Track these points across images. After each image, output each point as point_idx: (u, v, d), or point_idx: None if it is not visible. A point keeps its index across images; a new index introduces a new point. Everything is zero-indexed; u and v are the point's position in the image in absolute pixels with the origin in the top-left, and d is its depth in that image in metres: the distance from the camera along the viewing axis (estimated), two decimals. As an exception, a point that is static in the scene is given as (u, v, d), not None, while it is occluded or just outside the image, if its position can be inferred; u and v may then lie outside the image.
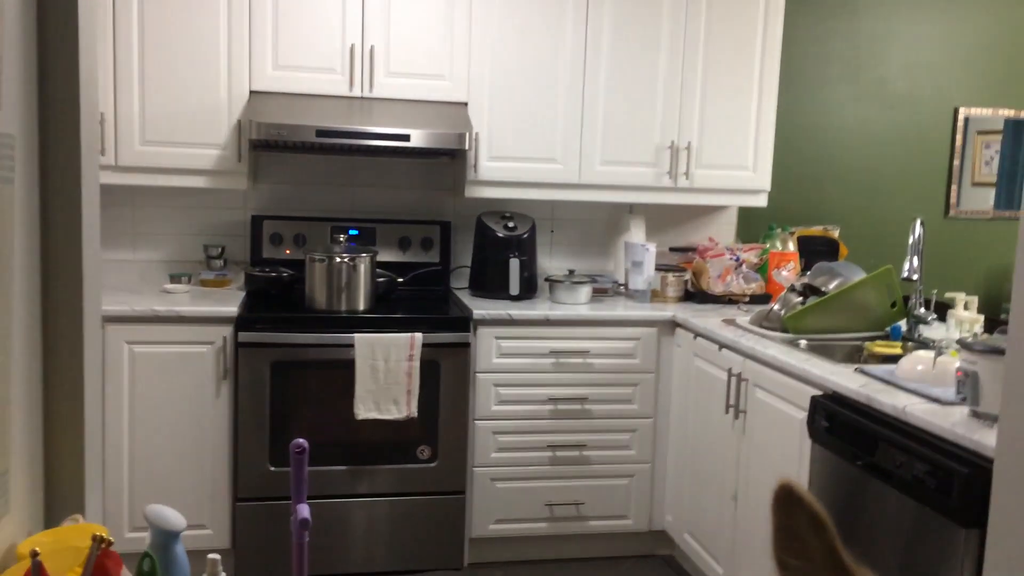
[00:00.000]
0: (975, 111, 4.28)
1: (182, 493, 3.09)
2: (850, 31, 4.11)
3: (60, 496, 1.55)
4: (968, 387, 1.90)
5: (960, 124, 4.27)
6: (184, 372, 3.05)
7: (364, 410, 3.09)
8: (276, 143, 3.26)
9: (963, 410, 1.96)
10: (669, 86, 3.56)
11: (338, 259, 3.19)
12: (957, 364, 1.98)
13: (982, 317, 2.65)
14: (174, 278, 3.43)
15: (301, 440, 1.59)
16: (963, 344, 1.92)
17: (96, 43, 1.85)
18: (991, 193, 4.35)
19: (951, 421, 1.88)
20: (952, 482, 1.80)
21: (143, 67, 3.18)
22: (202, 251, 3.59)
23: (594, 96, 3.51)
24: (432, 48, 3.36)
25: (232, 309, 3.06)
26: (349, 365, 3.09)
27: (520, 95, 3.45)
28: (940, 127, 4.27)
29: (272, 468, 3.09)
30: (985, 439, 1.76)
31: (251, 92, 3.26)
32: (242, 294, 3.37)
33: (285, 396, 3.08)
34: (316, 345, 3.09)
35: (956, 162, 4.29)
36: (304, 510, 1.54)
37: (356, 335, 3.07)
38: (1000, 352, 1.82)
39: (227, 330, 3.06)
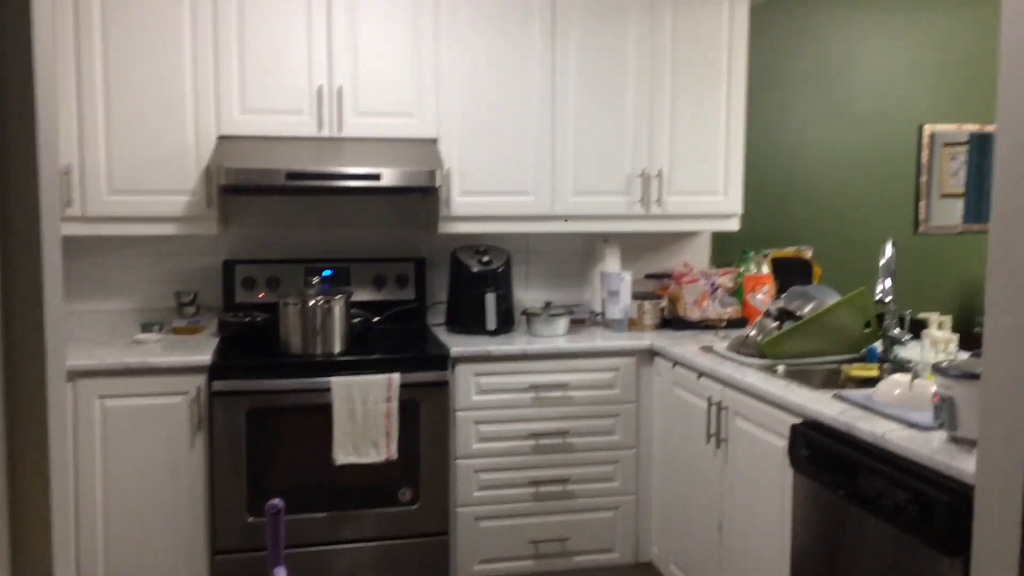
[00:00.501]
0: (940, 127, 4.33)
1: (159, 548, 3.03)
2: (814, 52, 4.16)
3: (27, 570, 1.50)
4: (945, 412, 1.90)
5: (926, 140, 4.32)
6: (158, 424, 3.00)
7: (343, 454, 3.05)
8: (246, 187, 3.24)
9: (942, 435, 1.96)
10: (637, 115, 3.57)
11: (312, 302, 3.16)
12: (933, 388, 1.98)
13: (956, 336, 2.66)
14: (145, 327, 3.39)
15: (276, 500, 1.56)
16: (938, 369, 1.92)
17: (57, 96, 1.83)
18: (959, 204, 4.40)
19: (930, 447, 1.88)
20: (934, 510, 1.79)
21: (108, 116, 3.16)
22: (174, 298, 3.54)
23: (563, 127, 3.52)
24: (400, 86, 3.36)
25: (205, 358, 3.02)
26: (326, 409, 3.05)
27: (490, 130, 3.46)
28: (906, 144, 4.32)
29: (250, 519, 3.04)
30: (965, 465, 1.76)
31: (219, 137, 3.24)
32: (216, 341, 3.33)
33: (262, 444, 3.04)
34: (292, 391, 3.05)
35: (924, 178, 4.34)
36: (281, 574, 1.51)
37: (333, 378, 3.04)
38: (975, 377, 1.82)
39: (200, 379, 3.02)
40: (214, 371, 3.01)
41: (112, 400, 2.97)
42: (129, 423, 2.99)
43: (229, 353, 3.15)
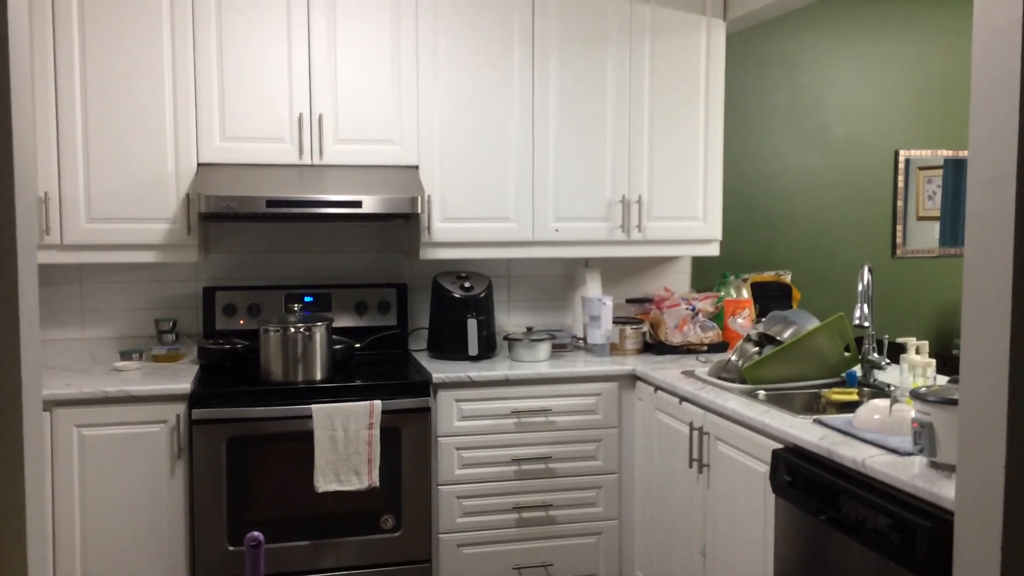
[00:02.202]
0: (915, 153, 4.39)
1: (138, 579, 2.99)
2: (790, 80, 4.22)
3: (3, 607, 1.48)
4: (924, 438, 1.92)
5: (901, 166, 4.38)
6: (137, 453, 2.97)
7: (325, 482, 3.03)
8: (226, 214, 3.23)
9: (922, 461, 1.97)
10: (617, 141, 3.60)
11: (292, 329, 3.14)
12: (912, 413, 2.00)
13: (934, 361, 2.68)
14: (125, 355, 3.36)
15: (256, 533, 1.55)
16: (916, 395, 1.94)
17: (34, 123, 1.82)
18: (936, 226, 4.45)
19: (910, 473, 1.89)
20: (915, 536, 1.80)
21: (87, 144, 3.14)
22: (153, 326, 3.52)
23: (544, 154, 3.54)
24: (380, 113, 3.37)
25: (185, 386, 3.00)
26: (308, 437, 3.03)
27: (470, 156, 3.47)
28: (882, 170, 4.37)
29: (231, 547, 3.01)
30: (945, 491, 1.77)
31: (199, 164, 3.23)
32: (196, 368, 3.30)
33: (243, 472, 3.01)
34: (273, 418, 3.03)
35: (900, 203, 4.39)
36: (261, 608, 1.49)
37: (314, 406, 3.02)
38: (953, 403, 1.84)
39: (180, 407, 2.99)
40: (194, 399, 2.99)
41: (90, 429, 2.94)
42: (108, 452, 2.95)
43: (209, 381, 3.13)
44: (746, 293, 3.86)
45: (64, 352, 3.47)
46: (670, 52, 3.62)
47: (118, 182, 3.18)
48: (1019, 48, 1.49)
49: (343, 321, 3.60)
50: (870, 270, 2.81)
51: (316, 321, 3.19)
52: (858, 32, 4.28)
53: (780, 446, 2.38)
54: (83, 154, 3.15)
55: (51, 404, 2.89)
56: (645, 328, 3.71)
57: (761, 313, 3.77)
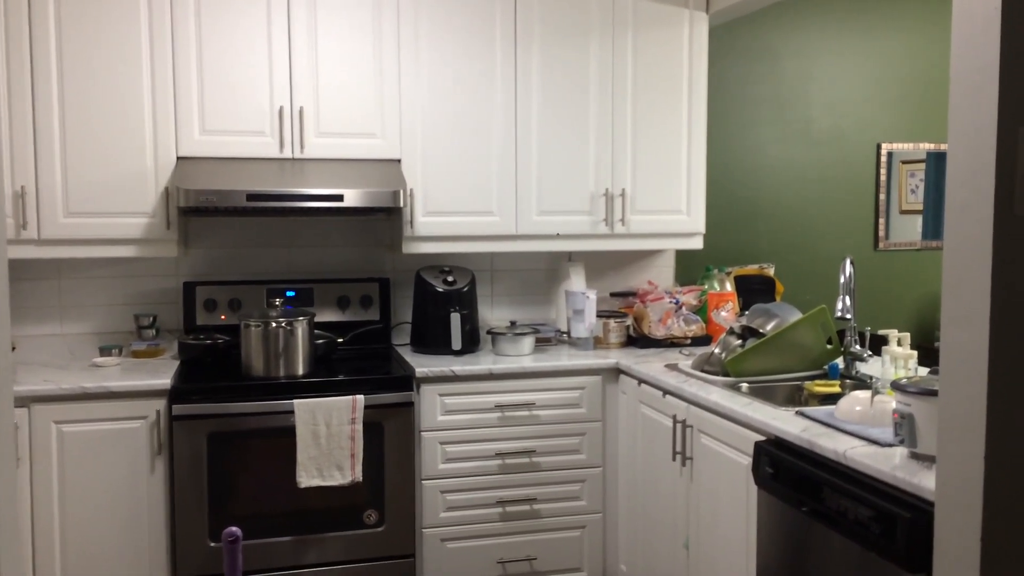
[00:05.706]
0: (897, 146, 4.41)
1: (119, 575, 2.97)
2: (773, 74, 4.22)
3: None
4: (905, 429, 1.92)
5: (883, 159, 4.40)
6: (116, 450, 2.95)
7: (307, 477, 3.01)
8: (206, 208, 3.20)
9: (903, 452, 1.98)
10: (600, 134, 3.59)
11: (274, 324, 3.12)
12: (893, 405, 2.00)
13: (915, 353, 2.69)
14: (104, 351, 3.33)
15: (233, 529, 1.53)
16: (897, 386, 1.94)
17: (6, 117, 1.79)
18: (918, 220, 4.47)
19: (891, 464, 1.90)
20: (895, 526, 1.80)
21: (64, 137, 3.11)
22: (133, 321, 3.49)
23: (527, 147, 3.53)
24: (362, 107, 3.35)
25: (165, 381, 2.97)
26: (290, 432, 3.01)
27: (453, 150, 3.46)
28: (865, 163, 4.39)
29: (212, 544, 2.99)
30: (925, 482, 1.78)
31: (178, 158, 3.20)
32: (176, 364, 3.28)
33: (224, 468, 2.99)
34: (254, 414, 3.01)
35: (882, 196, 4.41)
36: (239, 605, 1.48)
37: (296, 401, 3.00)
38: (933, 393, 1.85)
39: (160, 403, 2.97)
40: (174, 395, 2.96)
41: (69, 425, 2.91)
42: (87, 449, 2.93)
43: (190, 376, 3.10)
44: (729, 286, 3.87)
45: (43, 348, 3.44)
46: (653, 45, 3.62)
47: (96, 176, 3.14)
48: (998, 40, 1.50)
49: (325, 316, 3.58)
50: (852, 263, 2.82)
51: (298, 316, 3.17)
52: (841, 25, 4.29)
53: (763, 438, 2.38)
54: (60, 148, 3.11)
55: (29, 400, 2.86)
56: (629, 322, 3.71)
57: (744, 306, 3.77)
